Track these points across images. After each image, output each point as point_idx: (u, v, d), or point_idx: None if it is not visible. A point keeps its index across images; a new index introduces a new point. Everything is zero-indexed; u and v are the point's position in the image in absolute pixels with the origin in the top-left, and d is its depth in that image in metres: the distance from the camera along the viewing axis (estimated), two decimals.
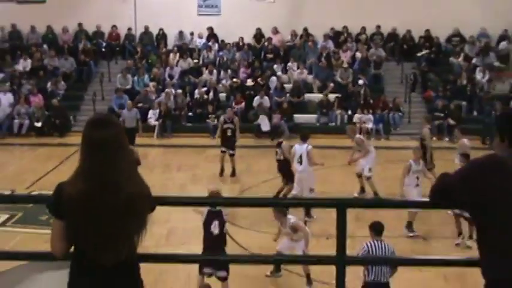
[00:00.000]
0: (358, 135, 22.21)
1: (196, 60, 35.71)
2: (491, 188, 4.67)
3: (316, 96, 33.31)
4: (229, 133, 24.87)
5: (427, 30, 36.03)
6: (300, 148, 20.42)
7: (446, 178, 5.04)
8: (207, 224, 14.32)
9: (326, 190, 22.32)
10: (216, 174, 24.67)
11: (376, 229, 13.05)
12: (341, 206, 5.21)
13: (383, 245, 12.69)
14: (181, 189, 22.83)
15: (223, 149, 24.83)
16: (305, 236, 15.37)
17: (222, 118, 25.71)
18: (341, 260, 5.38)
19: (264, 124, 29.45)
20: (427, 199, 5.20)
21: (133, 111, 27.90)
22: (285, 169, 21.08)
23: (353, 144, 21.77)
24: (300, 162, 20.35)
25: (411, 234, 18.64)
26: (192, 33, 36.72)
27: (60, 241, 4.91)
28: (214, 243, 14.30)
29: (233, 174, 25.01)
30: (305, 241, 15.37)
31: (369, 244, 12.72)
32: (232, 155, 24.93)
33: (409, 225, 18.75)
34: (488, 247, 4.81)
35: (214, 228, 14.34)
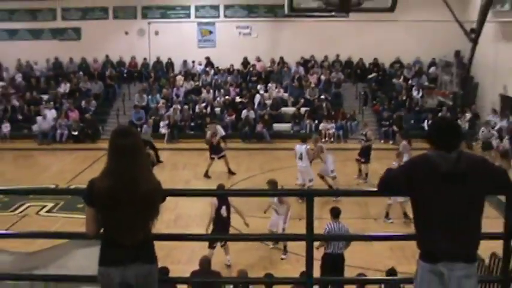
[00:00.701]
0: (319, 144, 22.17)
1: (197, 83, 35.64)
2: (422, 180, 4.72)
3: (290, 110, 33.31)
4: (214, 143, 24.84)
5: (375, 58, 36.08)
6: (300, 148, 20.86)
7: (391, 172, 5.08)
8: (218, 209, 15.12)
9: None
10: (215, 172, 24.58)
11: (334, 213, 13.25)
12: (309, 195, 5.22)
13: (340, 226, 12.89)
14: (186, 184, 22.87)
15: (214, 155, 24.79)
16: (287, 210, 15.88)
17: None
18: (310, 237, 5.40)
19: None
20: (375, 189, 5.20)
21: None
22: None
23: (314, 150, 21.62)
24: (301, 159, 20.80)
25: (389, 221, 18.70)
26: (193, 62, 36.64)
27: (92, 224, 4.98)
28: (223, 223, 15.20)
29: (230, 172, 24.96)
30: (286, 215, 15.59)
31: (329, 224, 12.92)
32: (223, 156, 24.89)
33: (387, 215, 18.80)
34: (420, 226, 4.85)
35: (223, 212, 15.21)
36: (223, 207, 15.24)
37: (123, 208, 4.81)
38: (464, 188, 4.69)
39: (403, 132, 26.51)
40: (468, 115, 29.60)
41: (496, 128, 27.45)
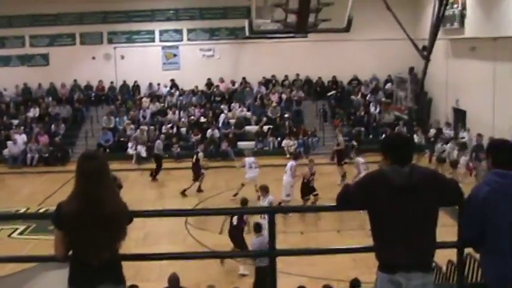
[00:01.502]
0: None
1: (162, 104, 35.55)
2: (378, 194, 4.76)
3: (253, 128, 33.37)
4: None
5: (334, 76, 36.37)
6: (289, 163, 21.47)
7: (348, 188, 5.12)
8: (231, 218, 16.23)
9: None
10: (179, 190, 24.54)
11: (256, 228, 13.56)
12: (271, 212, 5.23)
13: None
14: (154, 203, 22.75)
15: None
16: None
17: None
18: (272, 253, 5.40)
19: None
20: (334, 204, 5.20)
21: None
22: None
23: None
24: (286, 173, 21.35)
25: None
26: (158, 84, 36.57)
27: (60, 246, 4.93)
28: (234, 231, 16.23)
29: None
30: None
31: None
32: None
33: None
34: (378, 238, 4.89)
35: (234, 220, 16.21)
36: (235, 217, 16.08)
37: (89, 230, 4.78)
38: (418, 200, 4.73)
39: (357, 148, 26.85)
40: (433, 130, 29.49)
41: (448, 144, 27.58)
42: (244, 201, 16.59)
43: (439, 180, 4.96)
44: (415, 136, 29.76)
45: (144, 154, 31.07)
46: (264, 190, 18.14)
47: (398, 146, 4.91)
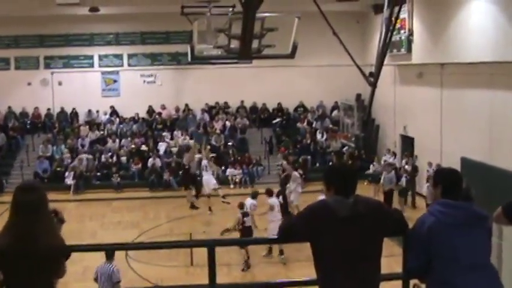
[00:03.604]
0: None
1: (102, 132, 35.26)
2: (321, 226, 4.81)
3: (196, 157, 33.15)
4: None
5: (279, 103, 36.60)
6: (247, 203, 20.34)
7: (291, 219, 5.17)
8: (242, 221, 18.84)
9: (208, 230, 22.41)
10: (121, 222, 24.39)
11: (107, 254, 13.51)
12: (210, 245, 5.24)
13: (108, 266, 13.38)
14: (93, 235, 22.50)
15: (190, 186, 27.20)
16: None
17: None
18: (212, 287, 5.39)
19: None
20: (276, 236, 5.24)
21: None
22: None
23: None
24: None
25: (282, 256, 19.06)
26: (98, 111, 36.27)
27: None
28: (248, 231, 18.59)
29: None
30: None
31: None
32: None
33: (281, 252, 19.17)
34: (321, 270, 4.94)
35: (248, 222, 18.91)
36: (246, 219, 18.94)
37: (23, 266, 4.70)
38: (362, 231, 4.79)
39: (304, 177, 27.07)
40: (408, 167, 29.01)
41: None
42: (241, 205, 19.51)
43: (383, 210, 5.05)
44: (371, 166, 30.04)
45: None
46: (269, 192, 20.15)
47: (342, 177, 4.98)
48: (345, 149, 32.35)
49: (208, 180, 26.25)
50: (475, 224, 5.02)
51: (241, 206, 19.51)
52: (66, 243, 5.01)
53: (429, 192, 24.16)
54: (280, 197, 21.39)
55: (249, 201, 20.17)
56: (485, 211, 5.15)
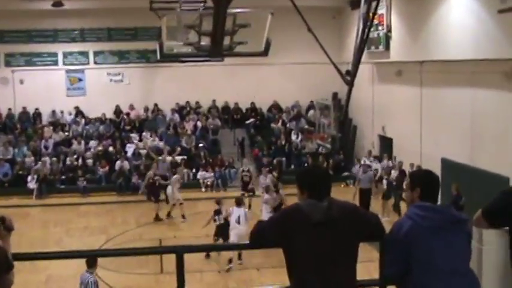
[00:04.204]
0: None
1: (67, 133, 35.09)
2: (294, 230, 4.83)
3: (166, 159, 33.13)
4: (157, 183, 26.55)
5: (253, 103, 36.64)
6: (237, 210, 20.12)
7: (262, 224, 5.16)
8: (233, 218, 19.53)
9: (179, 235, 22.37)
10: (87, 227, 24.30)
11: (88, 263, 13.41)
12: (179, 251, 5.23)
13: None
14: (58, 243, 22.35)
15: (154, 199, 26.42)
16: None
17: (151, 172, 27.33)
18: None
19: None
20: (247, 241, 5.24)
21: None
22: None
23: None
24: (238, 223, 20.25)
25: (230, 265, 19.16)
26: (62, 111, 36.10)
27: None
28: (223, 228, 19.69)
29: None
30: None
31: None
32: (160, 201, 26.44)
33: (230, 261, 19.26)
34: (294, 277, 4.95)
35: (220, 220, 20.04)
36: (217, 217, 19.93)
37: None
38: (336, 236, 4.81)
39: (278, 179, 27.02)
40: (395, 173, 28.82)
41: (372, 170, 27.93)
42: (218, 201, 20.62)
43: (359, 214, 5.07)
44: (353, 168, 30.22)
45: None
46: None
47: (316, 179, 5.01)
48: (320, 149, 32.47)
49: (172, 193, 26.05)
50: (453, 227, 5.03)
51: (218, 201, 20.77)
52: (7, 255, 4.88)
53: (406, 195, 24.28)
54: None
55: (238, 211, 19.84)
56: (464, 214, 5.19)
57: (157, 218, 25.61)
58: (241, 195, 24.73)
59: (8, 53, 35.72)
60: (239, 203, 20.25)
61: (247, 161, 30.65)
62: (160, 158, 31.19)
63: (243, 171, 28.37)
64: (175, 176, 26.39)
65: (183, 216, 25.51)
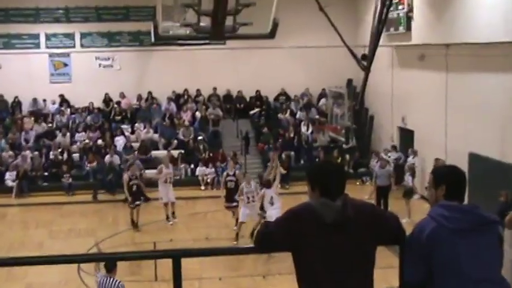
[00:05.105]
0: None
1: (50, 125, 35.09)
2: (304, 233, 4.82)
3: (161, 153, 33.07)
4: (134, 188, 24.78)
5: (258, 91, 36.63)
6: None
7: (268, 226, 5.14)
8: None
9: (176, 238, 22.41)
10: (73, 229, 24.35)
11: (108, 267, 13.24)
12: (176, 256, 5.25)
13: (112, 281, 13.21)
14: (40, 246, 22.38)
15: (132, 205, 24.74)
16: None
17: (126, 176, 25.32)
18: None
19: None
20: (253, 246, 5.24)
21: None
22: None
23: None
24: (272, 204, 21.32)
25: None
26: (45, 100, 36.13)
27: None
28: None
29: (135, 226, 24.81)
30: None
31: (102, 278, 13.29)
32: (138, 205, 24.96)
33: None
34: (304, 285, 4.96)
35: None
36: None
37: None
38: (352, 238, 4.82)
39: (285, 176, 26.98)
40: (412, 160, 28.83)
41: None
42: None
43: (377, 215, 5.08)
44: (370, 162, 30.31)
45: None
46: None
47: (328, 176, 4.99)
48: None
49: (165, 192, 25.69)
50: (483, 230, 5.01)
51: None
52: None
53: (430, 194, 24.22)
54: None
55: (270, 192, 21.31)
56: (494, 215, 5.19)
57: (133, 223, 25.03)
58: (226, 207, 24.00)
59: None
60: (268, 184, 21.44)
61: (238, 162, 30.43)
62: (129, 157, 31.17)
63: (228, 175, 25.37)
64: (160, 168, 25.90)
65: (173, 216, 25.31)
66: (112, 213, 27.10)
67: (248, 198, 21.86)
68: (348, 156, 32.31)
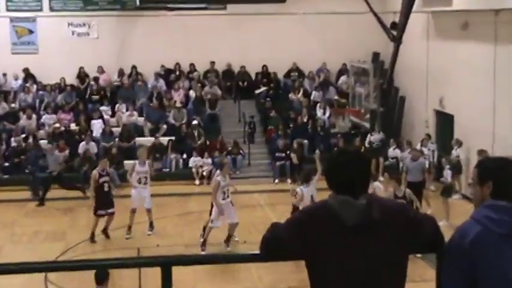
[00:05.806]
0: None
1: (12, 105, 35.14)
2: (321, 238, 4.79)
3: (148, 140, 33.15)
4: (106, 188, 23.57)
5: (265, 66, 36.68)
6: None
7: (277, 230, 5.06)
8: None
9: (164, 243, 22.46)
10: (39, 232, 24.39)
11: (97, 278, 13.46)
12: (167, 264, 5.25)
13: None
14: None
15: (102, 211, 23.27)
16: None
17: (95, 172, 23.90)
18: None
19: None
20: (257, 252, 5.15)
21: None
22: None
23: None
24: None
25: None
26: (5, 74, 36.16)
27: None
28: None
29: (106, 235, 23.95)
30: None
31: None
32: (112, 214, 23.53)
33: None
34: None
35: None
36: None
37: None
38: (378, 244, 4.79)
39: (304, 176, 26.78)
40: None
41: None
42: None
43: (408, 216, 4.99)
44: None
45: None
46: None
47: (350, 169, 4.93)
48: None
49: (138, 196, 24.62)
50: None
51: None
52: None
53: (473, 192, 24.25)
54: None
55: (310, 189, 20.92)
56: None
57: (106, 232, 24.31)
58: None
59: None
60: (308, 178, 21.10)
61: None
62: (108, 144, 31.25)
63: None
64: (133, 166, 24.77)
65: (150, 226, 24.30)
66: (87, 213, 27.04)
67: (224, 193, 21.43)
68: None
